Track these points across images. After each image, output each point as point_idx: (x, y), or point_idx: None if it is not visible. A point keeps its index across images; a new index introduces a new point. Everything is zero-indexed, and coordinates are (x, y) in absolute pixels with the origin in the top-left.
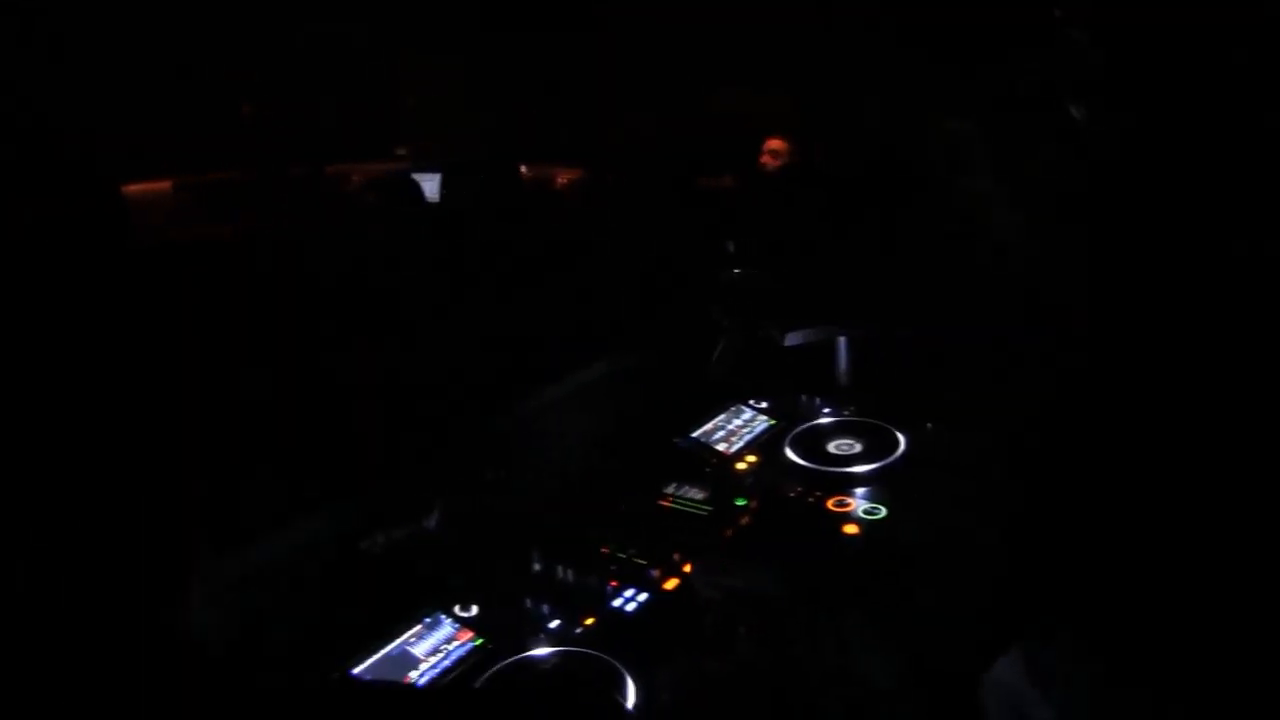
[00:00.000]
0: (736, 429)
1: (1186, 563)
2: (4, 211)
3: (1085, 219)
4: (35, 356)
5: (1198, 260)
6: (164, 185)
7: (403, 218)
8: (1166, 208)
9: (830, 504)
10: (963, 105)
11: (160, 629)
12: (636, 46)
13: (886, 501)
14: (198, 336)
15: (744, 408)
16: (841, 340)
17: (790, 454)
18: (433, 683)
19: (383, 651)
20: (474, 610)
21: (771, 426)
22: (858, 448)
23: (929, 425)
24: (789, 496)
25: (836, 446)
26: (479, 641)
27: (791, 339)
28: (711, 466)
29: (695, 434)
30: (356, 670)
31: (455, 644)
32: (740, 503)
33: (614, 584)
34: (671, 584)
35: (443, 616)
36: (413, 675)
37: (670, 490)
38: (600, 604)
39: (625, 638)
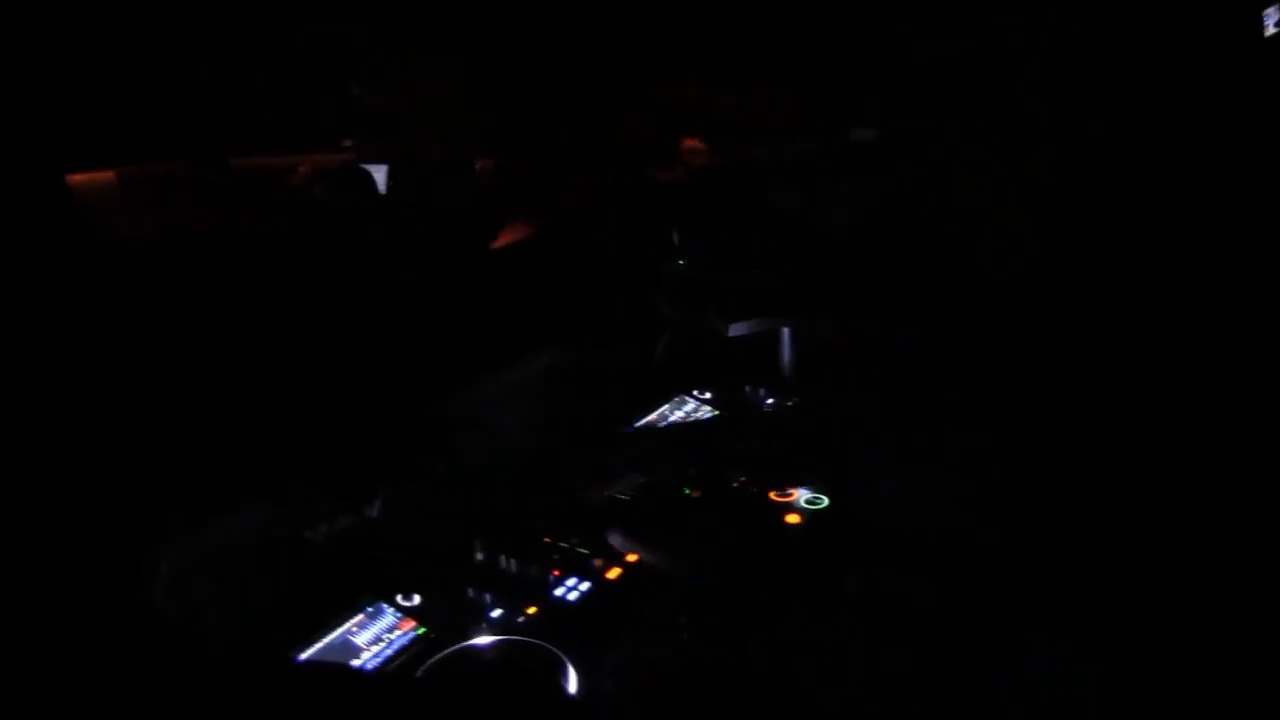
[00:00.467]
0: (680, 420)
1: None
2: None
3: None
4: None
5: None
6: (108, 175)
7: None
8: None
9: (772, 494)
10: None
11: (123, 610)
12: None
13: (829, 492)
14: (145, 329)
15: (687, 398)
16: (785, 331)
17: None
18: (375, 671)
19: (325, 640)
20: (416, 599)
21: (715, 417)
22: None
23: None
24: (731, 487)
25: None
26: (421, 630)
27: (735, 330)
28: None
29: (639, 424)
30: (298, 659)
31: (397, 633)
32: (685, 492)
33: (556, 573)
34: (614, 574)
35: (385, 605)
36: (355, 664)
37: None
38: (543, 593)
39: (568, 627)
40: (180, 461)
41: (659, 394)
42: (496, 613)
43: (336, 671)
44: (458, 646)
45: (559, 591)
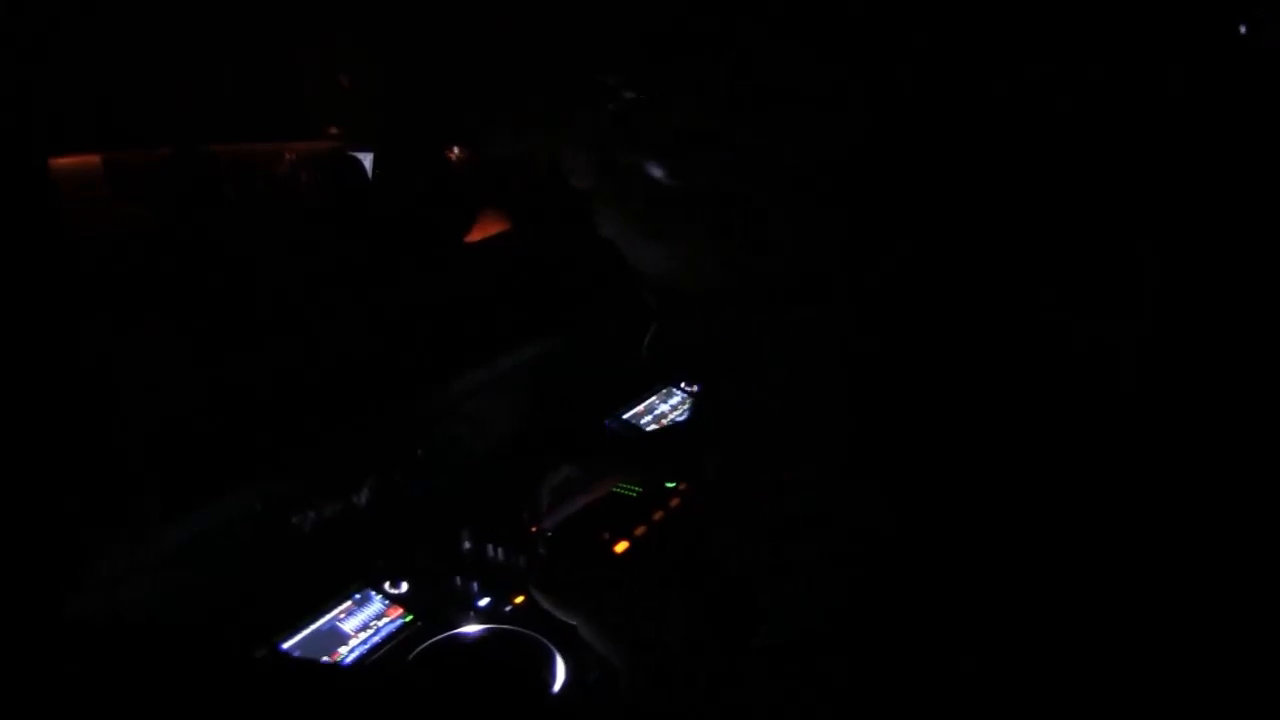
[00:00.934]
0: (666, 412)
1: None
2: None
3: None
4: None
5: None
6: (93, 160)
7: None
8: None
9: None
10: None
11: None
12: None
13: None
14: (110, 320)
15: (675, 390)
16: None
17: None
18: (361, 660)
19: (312, 627)
20: (404, 587)
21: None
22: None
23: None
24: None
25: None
26: (408, 618)
27: None
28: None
29: (625, 415)
30: (285, 645)
31: (385, 620)
32: (670, 485)
33: None
34: None
35: (372, 593)
36: (342, 651)
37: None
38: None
39: (555, 616)
40: (157, 450)
41: (645, 386)
42: (484, 601)
43: (311, 669)
44: (445, 634)
45: None
